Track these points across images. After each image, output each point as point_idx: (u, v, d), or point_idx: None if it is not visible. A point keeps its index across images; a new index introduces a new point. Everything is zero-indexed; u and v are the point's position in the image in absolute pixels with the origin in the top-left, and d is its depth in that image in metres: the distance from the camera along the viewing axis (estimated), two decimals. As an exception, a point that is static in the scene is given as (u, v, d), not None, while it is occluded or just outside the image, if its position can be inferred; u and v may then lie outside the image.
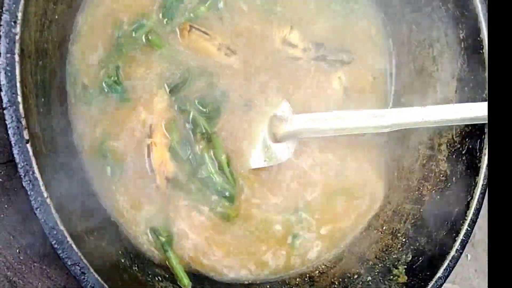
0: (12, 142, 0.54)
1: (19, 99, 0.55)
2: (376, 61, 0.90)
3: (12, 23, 0.55)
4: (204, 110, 0.77)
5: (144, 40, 0.75)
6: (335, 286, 0.82)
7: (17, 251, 0.75)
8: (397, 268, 0.80)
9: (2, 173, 0.75)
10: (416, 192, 0.85)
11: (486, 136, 0.78)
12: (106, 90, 0.73)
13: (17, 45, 0.55)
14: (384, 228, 0.85)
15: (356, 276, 0.82)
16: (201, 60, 0.78)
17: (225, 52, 0.79)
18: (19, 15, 0.55)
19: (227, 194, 0.78)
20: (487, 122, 0.76)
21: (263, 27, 0.81)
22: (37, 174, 0.55)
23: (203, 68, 0.78)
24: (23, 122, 0.55)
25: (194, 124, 0.77)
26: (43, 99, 0.63)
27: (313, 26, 0.85)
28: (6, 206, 0.75)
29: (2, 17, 0.55)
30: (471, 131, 0.80)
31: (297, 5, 0.84)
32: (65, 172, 0.65)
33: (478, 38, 0.79)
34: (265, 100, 0.82)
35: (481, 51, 0.79)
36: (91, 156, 0.72)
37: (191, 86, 0.77)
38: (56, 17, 0.66)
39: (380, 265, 0.82)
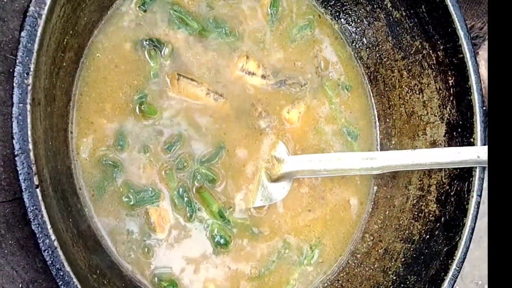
0: (23, 187, 0.57)
1: (30, 146, 0.57)
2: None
3: (25, 75, 0.58)
4: (202, 160, 0.81)
5: (137, 110, 0.78)
6: (328, 322, 0.84)
7: (20, 286, 0.77)
8: (388, 305, 0.83)
9: (8, 210, 0.77)
10: (407, 231, 0.87)
11: (474, 178, 0.81)
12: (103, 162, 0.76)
13: (29, 95, 0.58)
14: (375, 265, 0.88)
15: (348, 312, 0.85)
16: (191, 110, 0.81)
17: (213, 97, 0.82)
18: (32, 66, 0.58)
19: (221, 241, 0.80)
20: (475, 165, 0.80)
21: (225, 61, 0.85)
22: (46, 218, 0.58)
23: (195, 119, 0.82)
24: (34, 168, 0.57)
25: (192, 176, 0.80)
26: (50, 143, 0.66)
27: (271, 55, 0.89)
28: (10, 242, 0.77)
29: (15, 69, 0.57)
30: (460, 174, 0.83)
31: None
32: (71, 214, 0.67)
33: (467, 85, 0.82)
34: (261, 141, 0.85)
35: (469, 97, 0.82)
36: (95, 200, 0.75)
37: (186, 141, 0.81)
38: (64, 64, 0.69)
39: (371, 302, 0.85)
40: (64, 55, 0.69)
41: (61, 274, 0.59)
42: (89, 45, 0.76)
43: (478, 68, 0.83)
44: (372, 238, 0.90)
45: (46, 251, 0.58)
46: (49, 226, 0.58)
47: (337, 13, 0.95)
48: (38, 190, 0.58)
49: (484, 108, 0.83)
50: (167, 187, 0.78)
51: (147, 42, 0.80)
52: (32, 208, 0.57)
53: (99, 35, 0.78)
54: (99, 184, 0.75)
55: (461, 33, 0.81)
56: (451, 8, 0.81)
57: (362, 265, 0.89)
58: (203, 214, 0.80)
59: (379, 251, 0.89)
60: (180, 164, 0.79)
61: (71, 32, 0.69)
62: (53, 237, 0.58)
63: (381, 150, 0.95)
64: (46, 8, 0.59)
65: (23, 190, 0.57)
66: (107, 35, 0.78)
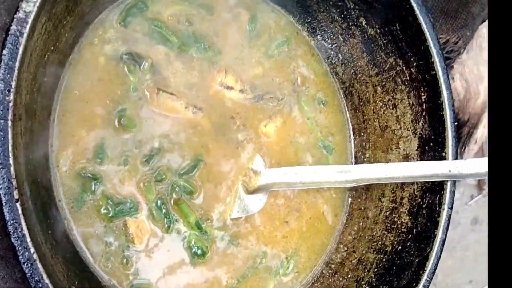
0: (3, 201, 0.58)
1: (11, 161, 0.59)
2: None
3: (6, 92, 0.59)
4: (181, 173, 0.82)
5: (116, 124, 0.80)
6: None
7: (-1, 296, 0.78)
8: (360, 314, 0.85)
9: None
10: (380, 242, 0.89)
11: (445, 192, 0.83)
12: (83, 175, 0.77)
13: (10, 111, 0.59)
14: (349, 275, 0.89)
15: (322, 322, 0.87)
16: (170, 123, 0.83)
17: (192, 111, 0.84)
18: (13, 84, 0.59)
19: (198, 252, 0.82)
20: (446, 179, 0.82)
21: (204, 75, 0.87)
22: (25, 231, 0.59)
23: (174, 132, 0.83)
24: (14, 182, 0.59)
25: (170, 188, 0.82)
26: (30, 157, 0.67)
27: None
28: (-11, 252, 0.78)
29: (-4, 86, 0.59)
30: (431, 187, 0.85)
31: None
32: (50, 226, 0.69)
33: (439, 101, 0.85)
34: (238, 155, 0.87)
35: (441, 112, 0.85)
36: (74, 212, 0.76)
37: (165, 154, 0.82)
38: (45, 79, 0.71)
39: (344, 311, 0.87)
40: (45, 70, 0.70)
41: (40, 286, 0.60)
42: (70, 60, 0.78)
43: (450, 83, 0.86)
44: (346, 248, 0.92)
45: (26, 264, 0.60)
46: (28, 239, 0.60)
47: (314, 30, 0.97)
48: (18, 204, 0.59)
49: (456, 123, 0.85)
50: (146, 199, 0.80)
51: (127, 57, 0.81)
52: (12, 221, 0.59)
53: (80, 50, 0.79)
54: (78, 196, 0.76)
55: (433, 50, 0.84)
56: (424, 26, 0.84)
57: (336, 275, 0.90)
58: (180, 226, 0.81)
59: (353, 261, 0.91)
60: (158, 177, 0.81)
61: (52, 48, 0.70)
62: (32, 249, 0.60)
63: (355, 163, 0.97)
64: (28, 26, 0.61)
65: (3, 204, 0.59)
66: (88, 50, 0.80)
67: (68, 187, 0.76)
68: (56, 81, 0.76)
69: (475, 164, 0.80)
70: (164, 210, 0.80)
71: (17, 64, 0.60)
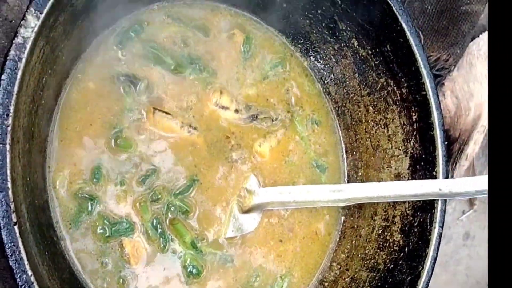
0: (1, 225, 0.59)
1: (9, 184, 0.60)
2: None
3: (5, 116, 0.60)
4: (176, 192, 0.83)
5: (113, 144, 0.81)
6: None
7: (-4, 315, 0.78)
8: (354, 333, 0.86)
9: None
10: (372, 261, 0.90)
11: (436, 210, 0.84)
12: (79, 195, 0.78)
13: (9, 136, 0.60)
14: (342, 293, 0.91)
15: None
16: (166, 143, 0.84)
17: (187, 130, 0.85)
18: (11, 108, 0.60)
19: (194, 271, 0.83)
20: (437, 198, 0.83)
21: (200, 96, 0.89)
22: (23, 254, 0.60)
23: (169, 151, 0.84)
24: (12, 206, 0.60)
25: (166, 207, 0.83)
26: (28, 179, 0.68)
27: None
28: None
29: (-5, 110, 0.60)
30: (422, 205, 0.86)
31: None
32: (47, 247, 0.69)
33: (429, 120, 0.86)
34: (233, 174, 0.88)
35: (431, 132, 0.86)
36: (71, 232, 0.77)
37: (160, 174, 0.83)
38: (43, 101, 0.71)
39: (338, 330, 0.88)
40: (42, 93, 0.71)
41: (37, 308, 0.61)
42: (67, 82, 0.79)
43: (441, 102, 0.87)
44: (339, 267, 0.93)
45: (23, 286, 0.60)
46: (26, 262, 0.60)
47: (307, 51, 0.98)
48: (16, 227, 0.60)
49: (446, 143, 0.86)
50: (141, 219, 0.81)
51: (123, 78, 0.82)
52: (10, 245, 0.59)
53: (77, 73, 0.80)
54: (75, 216, 0.77)
55: (424, 71, 0.85)
56: (414, 48, 0.85)
57: (329, 293, 0.91)
58: (176, 245, 0.82)
59: (346, 279, 0.91)
60: (154, 196, 0.82)
61: (49, 71, 0.71)
62: (29, 272, 0.61)
63: (348, 181, 0.98)
64: (26, 52, 0.62)
65: (1, 227, 0.59)
66: (85, 72, 0.81)
67: (65, 208, 0.77)
68: (54, 103, 0.77)
69: (465, 183, 0.81)
70: (159, 230, 0.81)
71: (15, 88, 0.61)
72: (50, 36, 0.68)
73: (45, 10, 0.63)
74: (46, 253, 0.69)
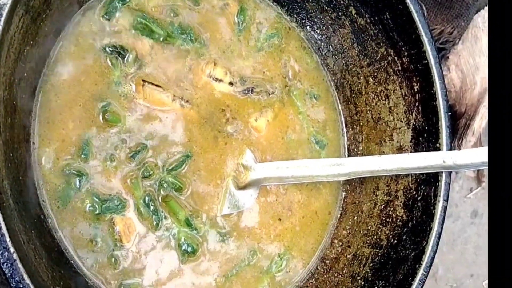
0: (-20, 200, 0.57)
1: (-13, 159, 0.57)
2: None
3: (-18, 87, 0.58)
4: (168, 168, 0.81)
5: (101, 119, 0.78)
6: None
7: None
8: (356, 310, 0.83)
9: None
10: (375, 237, 0.88)
11: (440, 183, 0.81)
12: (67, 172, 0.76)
13: (-14, 108, 0.58)
14: (344, 271, 0.88)
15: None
16: (157, 117, 0.82)
17: (179, 103, 0.83)
18: (-12, 78, 0.58)
19: (188, 249, 0.80)
20: (441, 170, 0.80)
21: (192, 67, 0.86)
22: (4, 230, 0.58)
23: (161, 125, 0.82)
24: (-8, 181, 0.57)
25: (158, 184, 0.80)
26: (11, 154, 0.66)
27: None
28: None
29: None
30: (426, 179, 0.83)
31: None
32: (33, 225, 0.67)
33: (432, 91, 0.83)
34: (228, 149, 0.85)
35: (434, 103, 0.83)
36: (59, 210, 0.74)
37: (152, 149, 0.81)
38: (25, 74, 0.69)
39: (339, 307, 0.85)
40: (24, 65, 0.68)
41: (21, 286, 0.59)
42: (51, 55, 0.76)
43: (444, 73, 0.84)
44: (341, 243, 0.91)
45: (5, 264, 0.58)
46: (7, 239, 0.58)
47: (303, 21, 0.95)
48: (-5, 202, 0.58)
49: (449, 113, 0.83)
50: (133, 196, 0.78)
51: (110, 49, 0.80)
52: (-11, 220, 0.57)
53: (61, 44, 0.77)
54: (63, 194, 0.74)
55: (425, 39, 0.82)
56: (414, 15, 0.82)
57: (331, 271, 0.89)
58: (169, 223, 0.80)
59: (348, 256, 0.89)
60: (145, 173, 0.79)
61: (31, 42, 0.69)
62: (12, 249, 0.58)
63: (349, 156, 0.96)
64: (3, 19, 0.59)
65: (-20, 202, 0.57)
66: (69, 44, 0.78)
67: (52, 185, 0.74)
68: (38, 76, 0.74)
69: (469, 154, 0.78)
70: (152, 207, 0.79)
71: (-8, 59, 0.58)
72: (30, 5, 0.65)
73: (22, -24, 0.61)
74: (32, 231, 0.67)
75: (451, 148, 0.83)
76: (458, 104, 1.15)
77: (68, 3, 0.75)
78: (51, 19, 0.72)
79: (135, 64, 0.81)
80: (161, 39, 0.83)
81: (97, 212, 0.76)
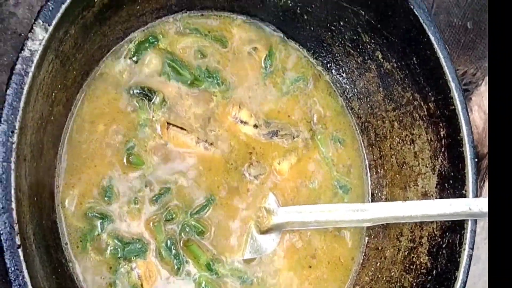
0: (4, 248, 0.56)
1: (13, 205, 0.57)
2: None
3: (10, 133, 0.57)
4: (192, 212, 0.80)
5: (125, 161, 0.78)
6: None
7: None
8: None
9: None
10: (398, 284, 0.86)
11: (466, 231, 0.80)
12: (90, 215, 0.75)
13: (13, 153, 0.57)
14: (367, 318, 0.87)
15: None
16: (181, 160, 0.81)
17: (203, 145, 0.82)
18: (17, 124, 0.58)
19: None
20: (467, 218, 0.79)
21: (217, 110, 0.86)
22: (27, 279, 0.57)
23: (184, 169, 0.81)
24: (16, 227, 0.57)
25: (180, 228, 0.79)
26: (35, 198, 0.65)
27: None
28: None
29: (0, 127, 0.57)
30: (451, 226, 0.82)
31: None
32: (55, 270, 0.66)
33: (458, 137, 0.82)
34: (251, 192, 0.84)
35: (460, 149, 0.82)
36: (80, 254, 0.74)
37: (175, 192, 0.80)
38: (52, 118, 0.69)
39: None
40: (52, 109, 0.68)
41: (42, 335, 0.58)
42: (78, 98, 0.76)
43: (469, 117, 0.83)
44: (363, 290, 0.89)
45: (27, 313, 0.57)
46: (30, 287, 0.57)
47: (329, 64, 0.95)
48: (20, 250, 0.57)
49: (476, 160, 0.82)
50: (155, 239, 0.77)
51: (138, 91, 0.80)
52: (13, 269, 0.56)
53: (89, 87, 0.77)
54: (85, 237, 0.74)
55: (452, 85, 0.81)
56: (442, 61, 0.81)
57: (354, 318, 0.88)
58: (190, 267, 0.79)
59: (371, 304, 0.88)
60: (168, 216, 0.78)
61: (59, 86, 0.69)
62: (34, 298, 0.57)
63: (372, 200, 0.95)
64: (33, 66, 0.59)
65: (5, 250, 0.56)
66: (96, 87, 0.78)
67: (74, 228, 0.73)
68: (64, 119, 0.74)
69: (497, 203, 0.77)
70: (174, 251, 0.78)
71: (21, 104, 0.58)
72: (60, 50, 0.65)
73: (54, 22, 0.61)
74: (54, 276, 0.66)
75: (476, 194, 0.81)
76: (481, 146, 1.13)
77: (97, 47, 0.76)
78: (80, 62, 0.72)
79: (162, 107, 0.80)
80: (188, 81, 0.83)
81: (119, 255, 0.75)
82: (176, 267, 0.78)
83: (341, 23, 0.88)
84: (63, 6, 0.61)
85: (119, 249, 0.75)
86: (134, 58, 0.81)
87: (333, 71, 0.95)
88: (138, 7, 0.78)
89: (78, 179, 0.74)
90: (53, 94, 0.68)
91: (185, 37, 0.85)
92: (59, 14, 0.61)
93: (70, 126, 0.75)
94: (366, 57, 0.91)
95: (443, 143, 0.85)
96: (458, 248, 0.81)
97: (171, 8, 0.84)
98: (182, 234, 0.79)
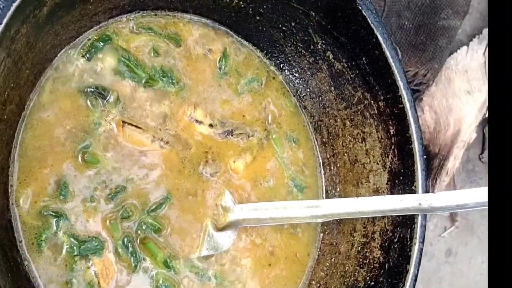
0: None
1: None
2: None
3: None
4: (148, 210, 0.81)
5: (80, 160, 0.78)
6: None
7: None
8: None
9: None
10: (352, 278, 0.88)
11: (416, 226, 0.82)
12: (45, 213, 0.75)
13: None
14: (322, 313, 0.88)
15: None
16: (137, 158, 0.82)
17: (159, 144, 0.83)
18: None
19: None
20: (417, 213, 0.81)
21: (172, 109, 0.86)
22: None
23: (140, 167, 0.82)
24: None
25: (137, 225, 0.80)
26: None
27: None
28: None
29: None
30: (402, 221, 0.84)
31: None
32: (10, 269, 0.66)
33: (407, 134, 0.84)
34: (207, 190, 0.85)
35: (410, 146, 0.84)
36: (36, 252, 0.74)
37: (131, 190, 0.80)
38: (5, 117, 0.69)
39: None
40: (4, 108, 0.68)
41: (-4, 333, 0.58)
42: (31, 97, 0.76)
43: (418, 116, 0.86)
44: (318, 285, 0.91)
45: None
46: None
47: (282, 65, 0.97)
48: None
49: (425, 157, 0.85)
50: (112, 237, 0.78)
51: (92, 90, 0.80)
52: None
53: (42, 86, 0.77)
54: (40, 235, 0.74)
55: (400, 84, 0.83)
56: (390, 60, 0.83)
57: (308, 312, 0.89)
58: (148, 264, 0.79)
59: (325, 298, 0.89)
60: (125, 214, 0.79)
61: (12, 85, 0.69)
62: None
63: (326, 197, 0.96)
64: (-15, 63, 0.59)
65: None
66: (50, 86, 0.78)
67: (29, 227, 0.73)
68: (17, 118, 0.74)
69: (445, 197, 0.80)
70: (130, 249, 0.78)
71: (-28, 102, 0.58)
72: (12, 48, 0.65)
73: (4, 21, 0.61)
74: (9, 275, 0.66)
75: (426, 190, 0.84)
76: (432, 145, 1.16)
77: (50, 46, 0.76)
78: (33, 61, 0.72)
79: (116, 105, 0.81)
80: (143, 81, 0.84)
81: (75, 253, 0.75)
82: (133, 264, 0.78)
83: (293, 24, 0.90)
84: (14, 5, 0.61)
85: (75, 247, 0.75)
86: (87, 57, 0.81)
87: (286, 71, 0.97)
88: (90, 7, 0.78)
89: (32, 178, 0.74)
90: (6, 93, 0.68)
91: (139, 36, 0.86)
92: (10, 13, 0.61)
93: (24, 125, 0.75)
94: (317, 57, 0.93)
95: (393, 141, 0.87)
96: (409, 242, 0.82)
97: (124, 7, 0.84)
98: (139, 231, 0.79)
